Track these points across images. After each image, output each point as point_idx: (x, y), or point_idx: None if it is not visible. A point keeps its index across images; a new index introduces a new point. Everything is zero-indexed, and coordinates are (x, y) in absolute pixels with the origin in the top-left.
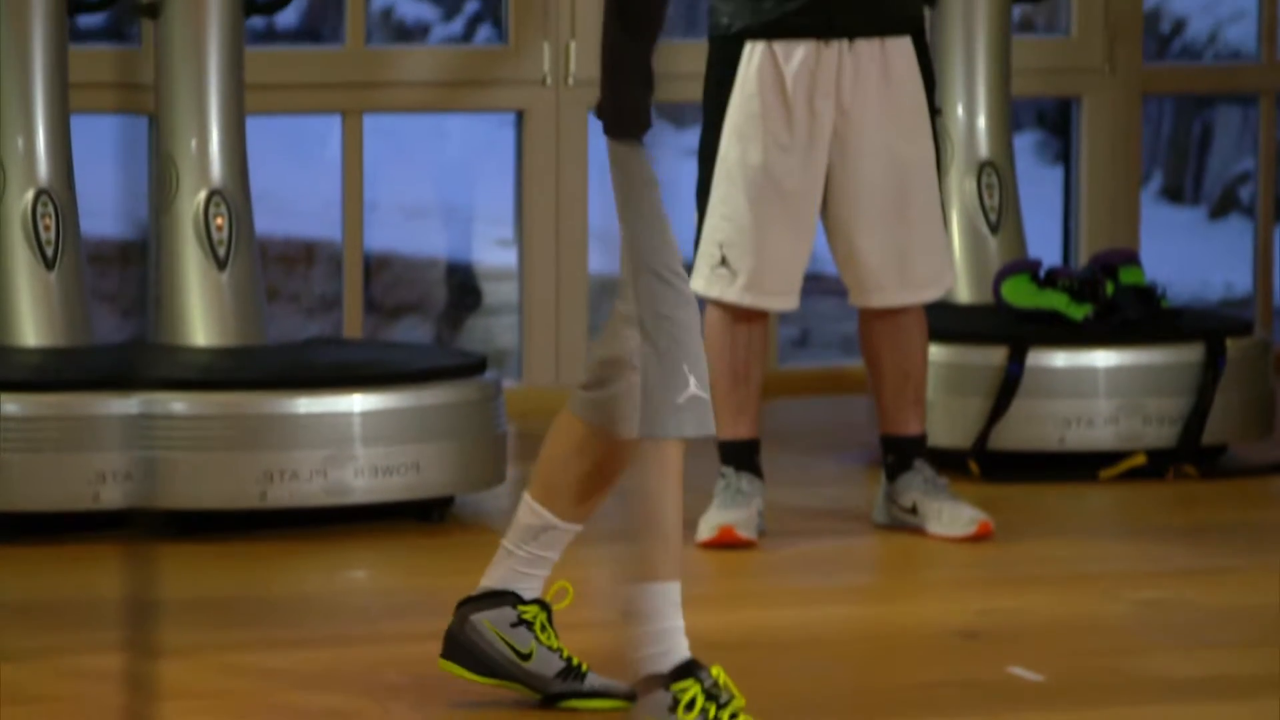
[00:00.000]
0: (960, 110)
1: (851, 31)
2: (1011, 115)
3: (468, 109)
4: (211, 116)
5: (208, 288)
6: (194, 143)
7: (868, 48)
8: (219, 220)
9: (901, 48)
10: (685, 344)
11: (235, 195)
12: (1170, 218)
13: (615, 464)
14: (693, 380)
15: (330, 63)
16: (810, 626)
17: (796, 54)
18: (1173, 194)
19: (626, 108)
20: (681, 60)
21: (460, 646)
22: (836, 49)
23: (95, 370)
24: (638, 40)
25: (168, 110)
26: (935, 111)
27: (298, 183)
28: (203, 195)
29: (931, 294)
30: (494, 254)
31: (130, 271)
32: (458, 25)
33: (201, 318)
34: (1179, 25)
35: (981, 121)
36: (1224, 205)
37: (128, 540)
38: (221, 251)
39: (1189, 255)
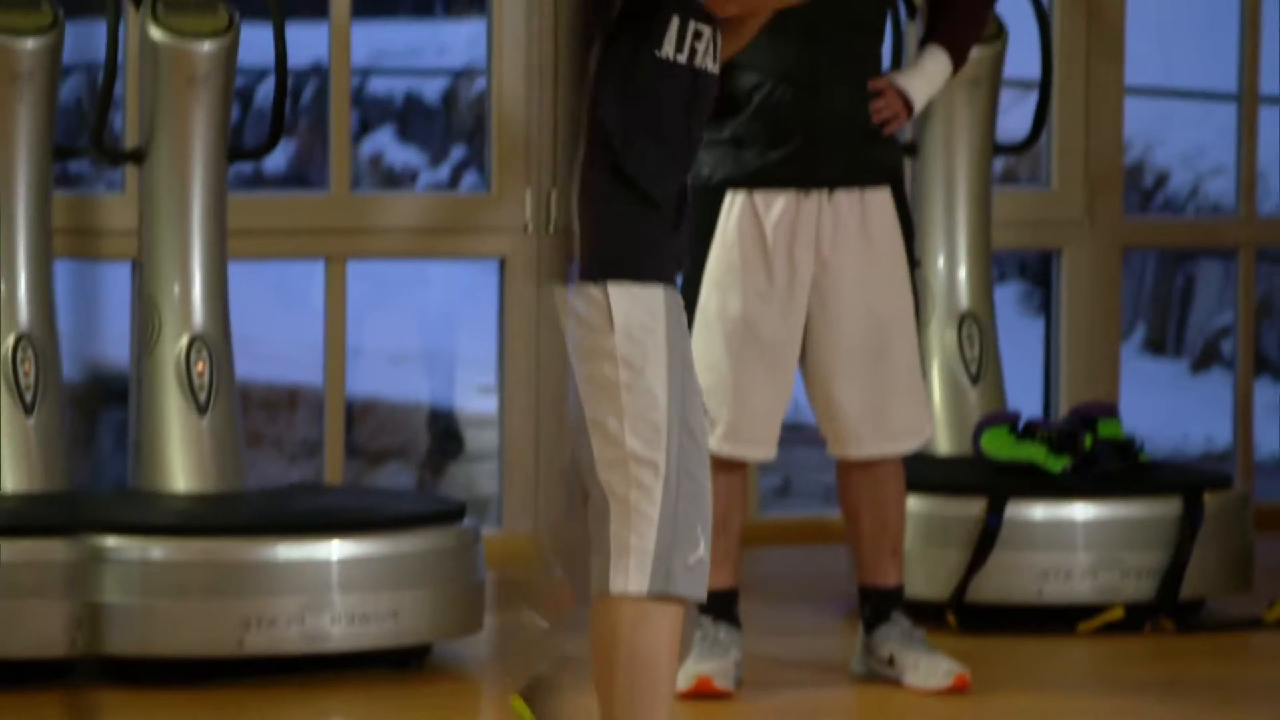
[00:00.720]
0: (941, 261)
1: (831, 182)
2: (992, 267)
3: (450, 255)
4: (194, 262)
5: (188, 433)
6: (177, 288)
7: (847, 198)
8: (200, 365)
9: (881, 199)
10: (701, 505)
11: (216, 340)
12: (1153, 370)
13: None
14: (702, 544)
15: (314, 209)
16: None
17: (777, 204)
18: (1155, 346)
19: (662, 245)
20: None
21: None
22: (816, 200)
23: (74, 516)
24: (676, 164)
25: (150, 256)
26: (914, 263)
27: (282, 327)
28: (184, 340)
29: (909, 445)
30: (476, 400)
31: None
32: (444, 171)
33: (181, 463)
34: (1161, 179)
35: (962, 273)
36: (1206, 358)
37: (72, 689)
38: (202, 397)
39: (1171, 408)
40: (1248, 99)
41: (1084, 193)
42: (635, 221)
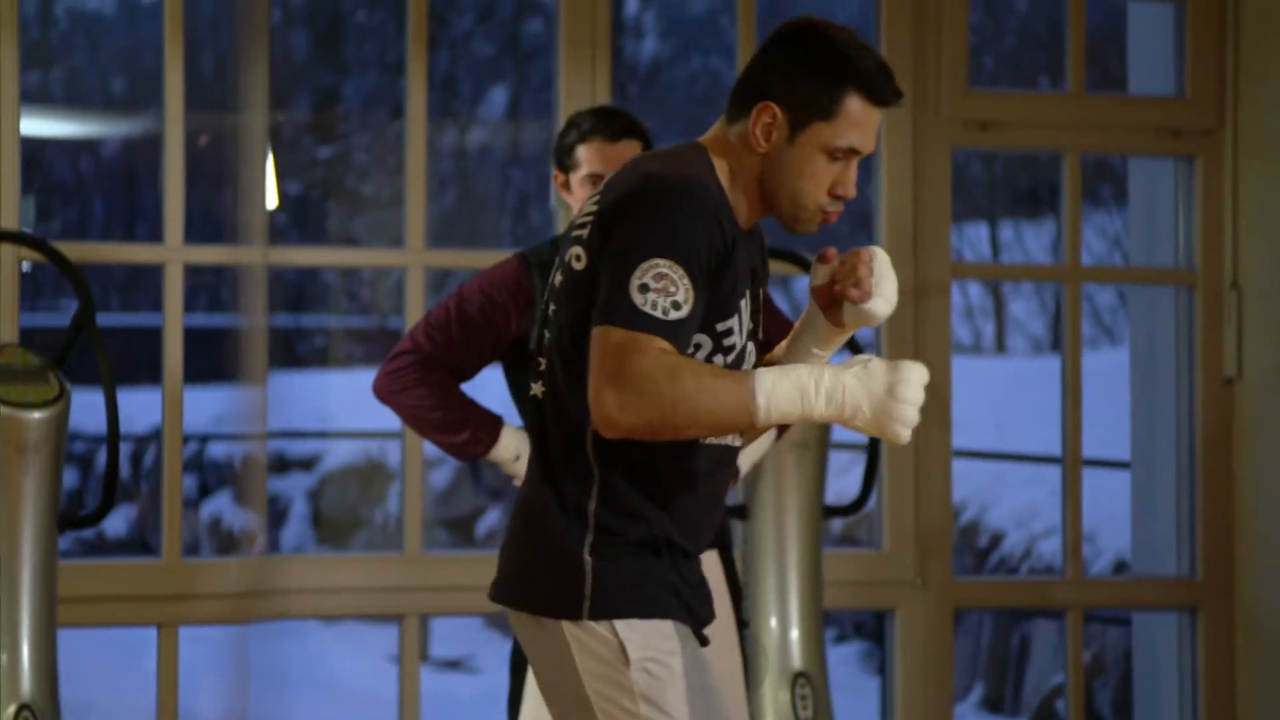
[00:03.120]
0: (774, 622)
1: None
2: (829, 627)
3: (280, 617)
4: (23, 631)
5: None
6: (4, 657)
7: None
8: None
9: (709, 561)
10: None
11: (45, 709)
12: None
13: None
14: None
15: (147, 575)
16: None
17: None
18: (993, 705)
19: (671, 582)
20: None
21: None
22: None
23: None
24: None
25: None
26: (743, 624)
27: (117, 694)
28: (12, 709)
29: None
30: None
31: None
32: (287, 533)
33: None
34: (996, 539)
35: (795, 633)
36: (1042, 717)
37: None
38: None
39: None
40: (1071, 462)
41: (915, 554)
42: (638, 559)
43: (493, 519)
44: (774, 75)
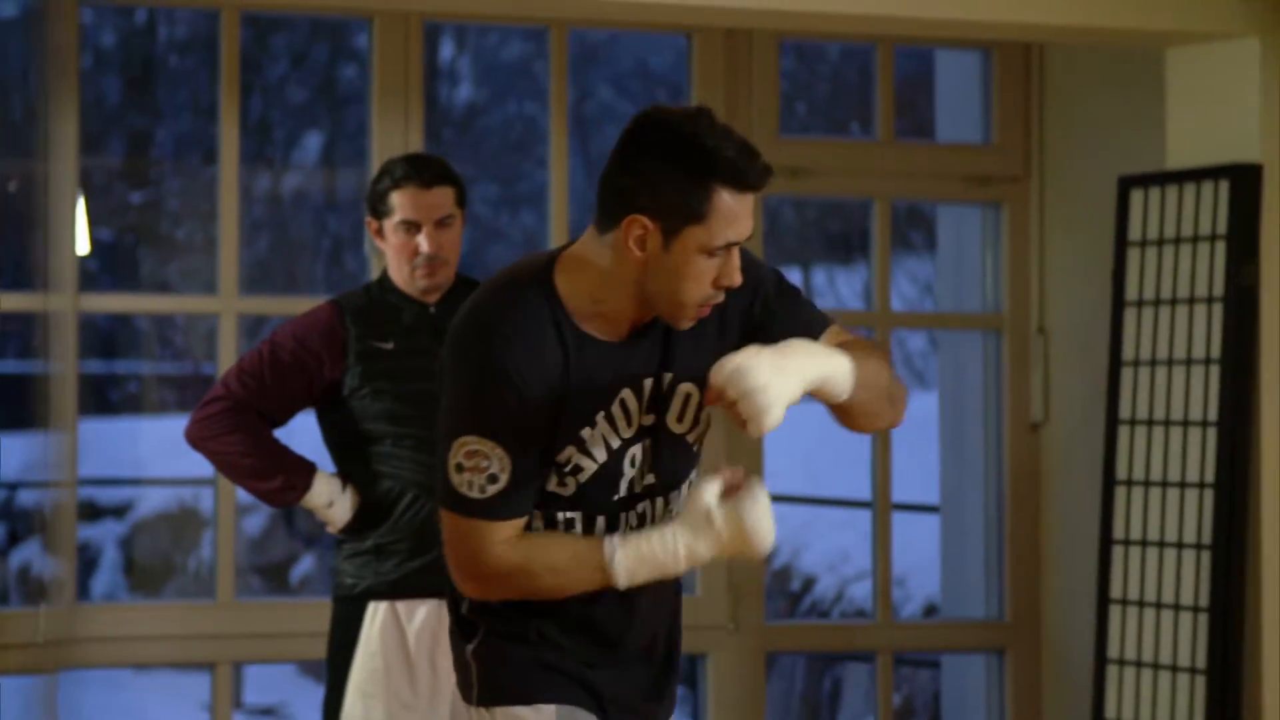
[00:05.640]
0: None
1: None
2: None
3: (89, 666)
4: None
5: None
6: None
7: None
8: None
9: None
10: None
11: None
12: None
13: None
14: None
15: None
16: None
17: (419, 613)
18: None
19: (555, 665)
20: (311, 619)
21: None
22: None
23: None
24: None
25: None
26: None
27: None
28: None
29: None
30: None
31: None
32: (92, 582)
33: None
34: (808, 583)
35: None
36: None
37: None
38: None
39: None
40: (881, 507)
41: (728, 599)
42: (515, 646)
43: (307, 565)
44: (637, 183)
